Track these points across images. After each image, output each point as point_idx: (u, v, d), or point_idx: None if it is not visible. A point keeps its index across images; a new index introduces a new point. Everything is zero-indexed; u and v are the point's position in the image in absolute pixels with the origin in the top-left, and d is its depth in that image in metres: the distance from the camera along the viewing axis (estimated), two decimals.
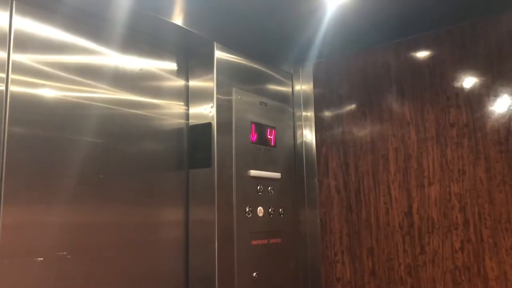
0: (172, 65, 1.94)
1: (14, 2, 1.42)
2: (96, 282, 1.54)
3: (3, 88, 1.37)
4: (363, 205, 2.10)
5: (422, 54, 2.04)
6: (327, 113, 2.28)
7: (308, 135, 2.32)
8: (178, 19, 1.76)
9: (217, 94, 1.87)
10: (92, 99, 1.61)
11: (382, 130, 2.09)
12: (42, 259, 1.39)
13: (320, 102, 2.30)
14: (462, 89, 1.91)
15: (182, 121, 1.93)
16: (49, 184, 1.45)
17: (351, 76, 2.22)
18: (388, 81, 2.10)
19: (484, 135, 1.84)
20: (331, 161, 2.22)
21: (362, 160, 2.13)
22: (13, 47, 1.40)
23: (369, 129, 2.13)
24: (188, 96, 1.96)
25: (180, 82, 1.96)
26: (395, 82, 2.08)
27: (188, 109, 1.95)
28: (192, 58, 1.97)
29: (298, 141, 2.33)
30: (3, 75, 1.37)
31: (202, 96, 1.92)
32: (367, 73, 2.17)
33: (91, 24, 1.64)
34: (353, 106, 2.20)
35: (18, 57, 1.41)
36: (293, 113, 2.33)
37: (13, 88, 1.39)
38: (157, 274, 1.75)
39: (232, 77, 1.96)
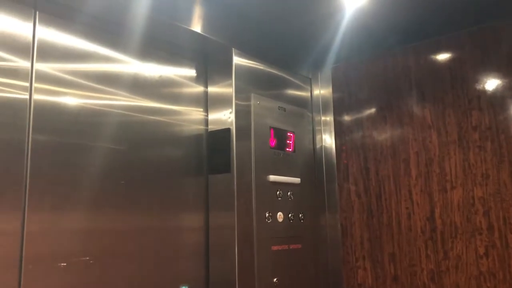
0: (191, 72, 1.96)
1: (37, 13, 1.45)
2: (118, 287, 1.55)
3: (27, 96, 1.40)
4: (384, 210, 2.08)
5: (443, 56, 2.01)
6: (346, 118, 2.26)
7: (328, 140, 2.31)
8: (196, 26, 1.78)
9: (235, 99, 1.88)
10: (113, 106, 1.64)
11: (402, 134, 2.07)
12: (65, 264, 1.42)
13: (339, 106, 2.29)
14: (484, 91, 1.88)
15: (201, 127, 1.95)
16: (72, 190, 1.47)
17: (371, 80, 2.20)
18: (408, 84, 2.08)
19: (507, 137, 1.80)
20: (351, 165, 2.21)
21: (383, 164, 2.11)
22: (37, 56, 1.43)
23: (389, 133, 2.11)
24: (207, 102, 1.97)
25: (199, 89, 1.97)
26: (415, 85, 2.06)
27: (207, 115, 1.96)
28: (211, 65, 1.99)
29: (318, 146, 2.32)
30: (27, 84, 1.40)
31: (221, 102, 1.93)
32: (386, 77, 2.15)
33: (111, 33, 1.66)
34: (373, 110, 2.18)
35: (41, 66, 1.45)
36: (312, 117, 2.33)
37: (36, 96, 1.42)
38: (178, 279, 1.75)
39: (250, 82, 1.97)
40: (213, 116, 1.95)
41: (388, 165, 2.09)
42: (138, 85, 1.73)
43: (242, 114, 1.89)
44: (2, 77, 1.35)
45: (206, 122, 1.96)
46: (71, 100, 1.51)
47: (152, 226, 1.69)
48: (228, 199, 1.82)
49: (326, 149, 2.30)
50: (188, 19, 1.76)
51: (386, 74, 2.15)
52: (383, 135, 2.12)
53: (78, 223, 1.48)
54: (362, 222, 2.14)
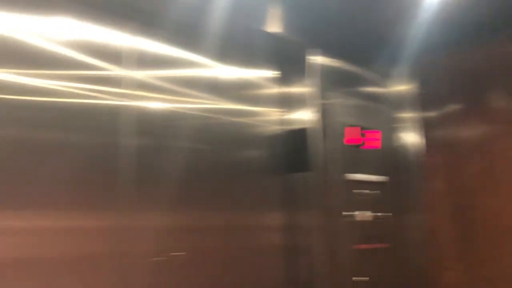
0: (269, 73, 1.98)
1: (125, 21, 1.53)
2: (205, 279, 1.61)
3: (123, 102, 1.48)
4: (474, 209, 1.98)
5: None
6: (429, 113, 2.19)
7: (410, 137, 2.24)
8: (273, 27, 1.80)
9: (314, 98, 1.88)
10: (198, 109, 1.69)
11: (490, 129, 1.96)
12: (162, 258, 1.49)
13: (421, 102, 2.22)
14: None
15: (280, 127, 1.96)
16: (165, 190, 1.55)
17: (454, 74, 2.11)
18: (496, 78, 1.97)
19: None
20: (436, 163, 2.12)
21: (470, 161, 2.01)
22: (129, 63, 1.52)
23: (476, 129, 2.01)
24: (285, 102, 1.98)
25: (276, 89, 1.98)
26: (504, 78, 1.95)
27: (285, 115, 1.97)
28: (288, 65, 1.99)
29: (400, 143, 2.25)
30: (120, 90, 1.49)
31: (299, 101, 1.93)
32: (471, 70, 2.05)
33: (195, 38, 1.71)
34: (457, 106, 2.09)
35: (132, 73, 1.52)
36: (393, 114, 2.27)
37: (131, 102, 1.50)
38: (258, 276, 1.78)
39: (328, 81, 1.95)
40: (291, 115, 1.96)
41: (476, 162, 1.99)
42: (218, 88, 1.77)
43: (320, 113, 1.89)
44: (99, 84, 1.44)
45: (284, 122, 1.97)
46: (159, 104, 1.59)
47: (233, 224, 1.73)
48: (308, 198, 1.83)
49: (409, 146, 2.23)
50: (265, 21, 1.79)
51: (471, 67, 2.05)
52: (469, 131, 2.03)
53: (166, 220, 1.55)
54: (451, 221, 2.05)
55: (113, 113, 1.47)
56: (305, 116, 1.88)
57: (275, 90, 1.98)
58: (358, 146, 1.99)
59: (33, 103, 1.29)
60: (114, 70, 1.49)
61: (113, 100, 1.47)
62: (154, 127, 1.56)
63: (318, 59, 1.93)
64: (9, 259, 1.19)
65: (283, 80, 2.00)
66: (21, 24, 1.29)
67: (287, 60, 2.00)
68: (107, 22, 1.49)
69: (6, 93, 1.24)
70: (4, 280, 1.17)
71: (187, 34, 1.70)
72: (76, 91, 1.39)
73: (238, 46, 1.86)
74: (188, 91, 1.67)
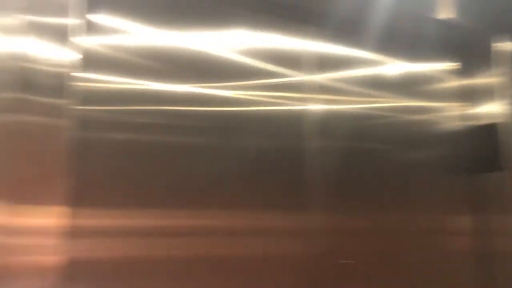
0: (446, 65, 1.84)
1: (300, 25, 1.54)
2: (391, 284, 1.55)
3: (303, 107, 1.51)
4: None
5: None
6: None
7: None
8: (445, 14, 1.68)
9: (505, 90, 1.70)
10: (374, 108, 1.65)
11: None
12: (351, 262, 1.48)
13: None
14: None
15: (462, 122, 1.81)
16: (349, 192, 1.54)
17: None
18: None
19: None
20: None
21: None
22: (308, 68, 1.54)
23: None
24: (467, 96, 1.83)
25: (456, 82, 1.84)
26: None
27: (468, 110, 1.82)
28: (469, 54, 1.83)
29: None
30: (301, 95, 1.51)
31: (485, 94, 1.77)
32: None
33: (366, 35, 1.65)
34: None
35: (311, 77, 1.54)
36: None
37: (310, 106, 1.52)
38: (445, 284, 1.67)
39: None
40: (476, 110, 1.80)
41: None
42: (392, 84, 1.70)
43: None
44: (281, 91, 1.49)
45: (467, 117, 1.82)
46: (340, 106, 1.59)
47: (415, 227, 1.64)
48: (502, 200, 1.66)
49: None
50: (436, 7, 1.67)
51: None
52: None
53: (348, 222, 1.53)
54: None
55: (296, 117, 1.50)
56: (494, 109, 1.71)
57: (455, 83, 1.84)
58: None
59: (221, 113, 1.37)
60: (295, 76, 1.52)
61: (295, 105, 1.50)
62: (335, 129, 1.56)
63: (506, 46, 1.74)
64: (205, 257, 1.27)
65: (464, 71, 1.84)
66: (205, 40, 1.37)
67: (467, 49, 1.84)
68: (284, 28, 1.52)
69: (197, 105, 1.34)
70: (203, 275, 1.25)
71: (358, 31, 1.65)
72: (261, 99, 1.45)
73: (409, 38, 1.76)
74: (361, 90, 1.64)
